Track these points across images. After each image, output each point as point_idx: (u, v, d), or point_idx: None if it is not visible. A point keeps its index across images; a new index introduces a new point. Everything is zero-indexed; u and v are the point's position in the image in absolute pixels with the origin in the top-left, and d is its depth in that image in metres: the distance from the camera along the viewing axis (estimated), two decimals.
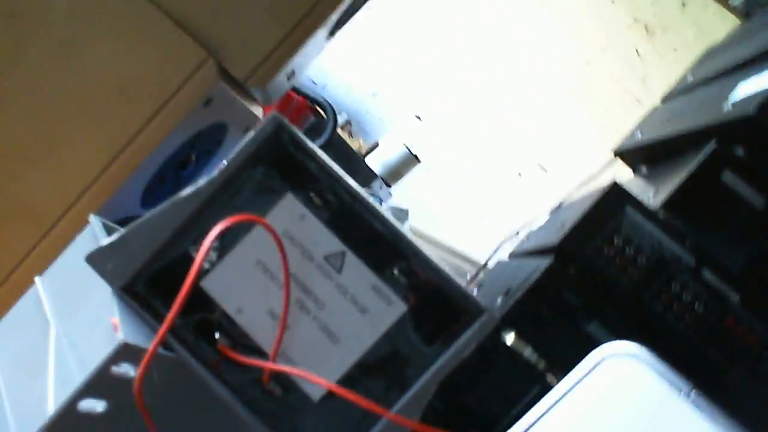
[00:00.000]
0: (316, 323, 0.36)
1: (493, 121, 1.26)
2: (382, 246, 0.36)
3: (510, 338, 0.77)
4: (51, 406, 0.33)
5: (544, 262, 0.74)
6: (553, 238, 0.76)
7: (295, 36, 0.59)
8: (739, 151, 0.75)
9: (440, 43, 1.30)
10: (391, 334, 0.36)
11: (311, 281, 0.36)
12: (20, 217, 0.57)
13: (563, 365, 0.43)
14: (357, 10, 0.71)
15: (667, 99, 0.86)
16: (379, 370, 0.36)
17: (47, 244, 0.58)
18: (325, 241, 0.36)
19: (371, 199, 0.36)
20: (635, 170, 0.87)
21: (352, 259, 0.36)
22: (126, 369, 0.34)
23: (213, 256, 0.37)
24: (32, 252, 0.58)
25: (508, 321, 0.76)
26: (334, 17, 0.63)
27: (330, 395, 0.36)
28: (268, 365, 0.35)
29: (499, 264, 0.93)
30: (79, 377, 0.33)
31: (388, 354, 0.36)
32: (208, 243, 0.33)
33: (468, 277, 0.94)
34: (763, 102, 0.59)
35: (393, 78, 1.30)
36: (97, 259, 0.36)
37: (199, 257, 0.33)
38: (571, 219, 0.76)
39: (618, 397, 0.41)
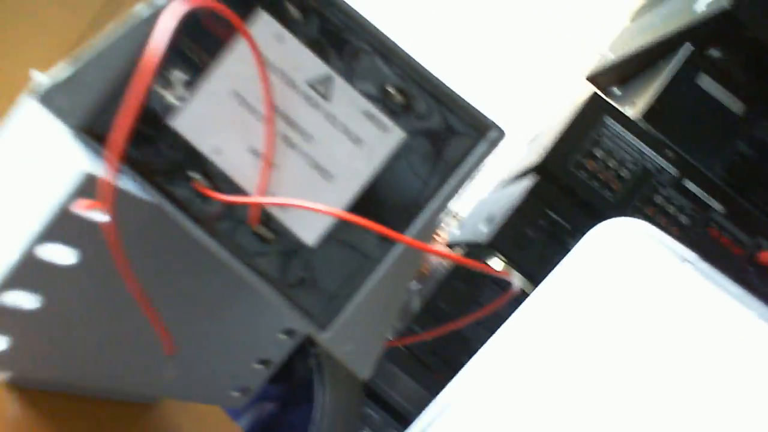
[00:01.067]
0: (305, 159, 0.32)
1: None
2: (373, 64, 0.32)
3: (495, 264, 0.74)
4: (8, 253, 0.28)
5: (527, 183, 0.72)
6: (535, 158, 0.74)
7: None
8: (715, 53, 0.74)
9: None
10: (390, 164, 0.32)
11: (296, 112, 0.32)
12: None
13: None
14: None
15: (636, 17, 0.84)
16: (380, 206, 0.32)
17: None
18: (308, 64, 0.32)
19: (359, 11, 0.32)
20: (607, 92, 0.85)
21: (340, 84, 0.32)
22: (94, 214, 0.30)
23: (182, 91, 0.32)
24: None
25: (494, 246, 0.73)
26: None
27: (326, 240, 0.32)
28: (254, 200, 0.31)
29: (479, 202, 0.90)
30: (37, 219, 0.29)
31: (388, 187, 0.32)
32: (164, 31, 0.29)
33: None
34: None
35: None
36: (51, 99, 0.31)
37: (153, 46, 0.28)
38: (551, 136, 0.74)
39: (621, 267, 0.38)
